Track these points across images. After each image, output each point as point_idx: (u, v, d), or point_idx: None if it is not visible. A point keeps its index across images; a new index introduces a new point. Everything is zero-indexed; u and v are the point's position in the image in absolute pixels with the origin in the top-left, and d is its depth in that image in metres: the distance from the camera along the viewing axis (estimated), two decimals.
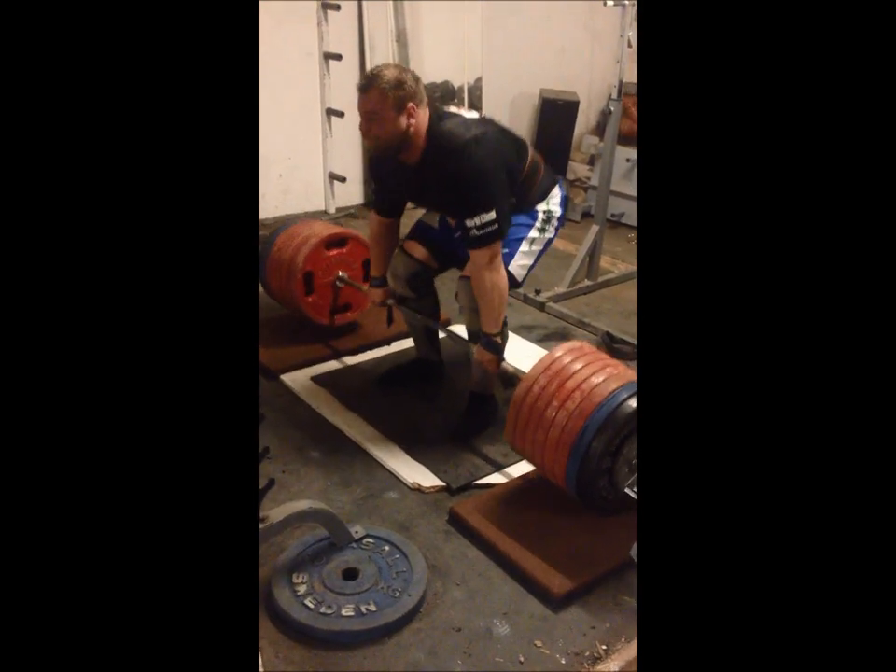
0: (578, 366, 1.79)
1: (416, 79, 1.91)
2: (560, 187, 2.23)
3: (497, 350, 2.05)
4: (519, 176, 2.07)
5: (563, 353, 1.85)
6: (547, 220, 2.17)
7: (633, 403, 1.68)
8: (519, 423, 1.84)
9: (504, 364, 2.04)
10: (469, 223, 1.91)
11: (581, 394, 1.73)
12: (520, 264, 2.14)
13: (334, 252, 2.63)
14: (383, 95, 1.84)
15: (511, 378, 2.00)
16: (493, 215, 1.91)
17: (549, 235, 2.20)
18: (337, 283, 2.64)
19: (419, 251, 2.26)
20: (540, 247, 2.19)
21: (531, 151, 2.13)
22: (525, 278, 2.19)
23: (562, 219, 2.24)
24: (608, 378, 1.74)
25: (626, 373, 1.79)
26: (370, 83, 1.86)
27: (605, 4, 2.86)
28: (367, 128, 1.90)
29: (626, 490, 1.75)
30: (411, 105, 1.87)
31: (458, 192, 1.91)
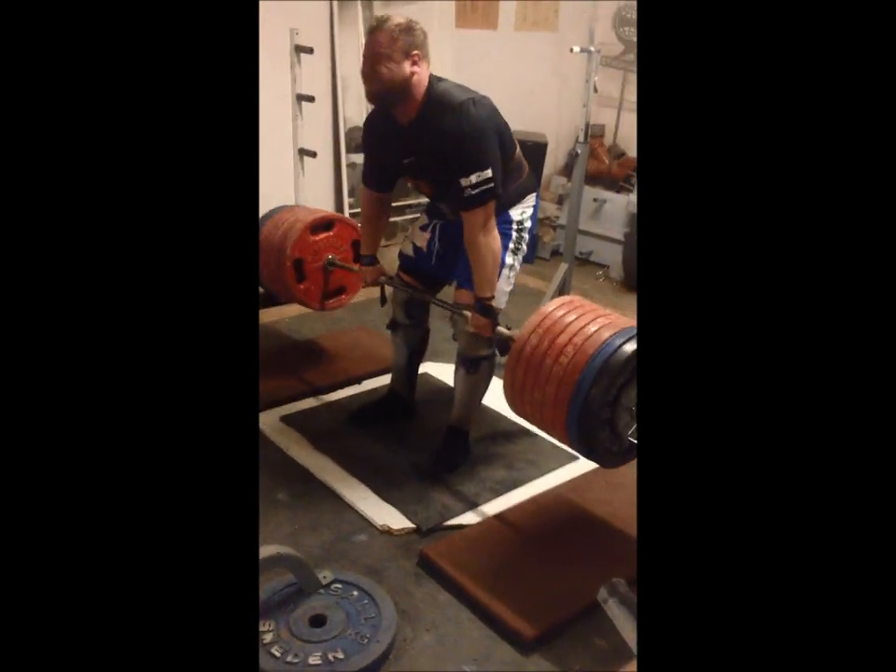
0: (570, 319, 1.76)
1: (424, 34, 1.92)
2: (537, 197, 2.21)
3: (492, 314, 2.01)
4: (509, 162, 2.04)
5: (554, 308, 1.82)
6: (520, 238, 2.13)
7: (628, 348, 1.65)
8: (515, 385, 1.80)
9: (499, 328, 2.01)
10: (464, 181, 1.89)
11: (573, 347, 1.69)
12: (502, 290, 2.10)
13: (321, 236, 2.60)
14: (392, 37, 1.85)
15: (507, 342, 1.96)
16: (489, 173, 1.90)
17: (521, 257, 2.15)
18: (327, 266, 2.62)
19: (406, 276, 2.29)
20: (516, 272, 2.17)
21: (517, 147, 2.12)
22: (503, 304, 2.16)
23: (531, 233, 2.19)
24: (601, 327, 1.71)
25: (619, 321, 1.76)
26: (380, 24, 1.87)
27: (571, 50, 2.94)
28: (371, 70, 1.87)
29: (631, 439, 1.72)
30: (416, 52, 1.88)
31: (455, 149, 1.89)
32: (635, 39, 4.23)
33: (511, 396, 1.85)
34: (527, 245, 2.18)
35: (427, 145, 1.96)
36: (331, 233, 2.63)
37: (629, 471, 2.23)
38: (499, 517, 2.02)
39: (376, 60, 1.87)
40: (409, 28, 1.88)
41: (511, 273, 2.11)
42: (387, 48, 1.86)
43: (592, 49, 2.90)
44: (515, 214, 2.12)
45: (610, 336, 1.68)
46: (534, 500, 2.09)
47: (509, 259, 2.09)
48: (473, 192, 1.91)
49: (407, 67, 1.88)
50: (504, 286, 2.09)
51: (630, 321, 1.77)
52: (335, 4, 3.57)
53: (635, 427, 1.73)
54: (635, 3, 4.18)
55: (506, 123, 2.02)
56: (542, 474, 2.24)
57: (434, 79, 1.96)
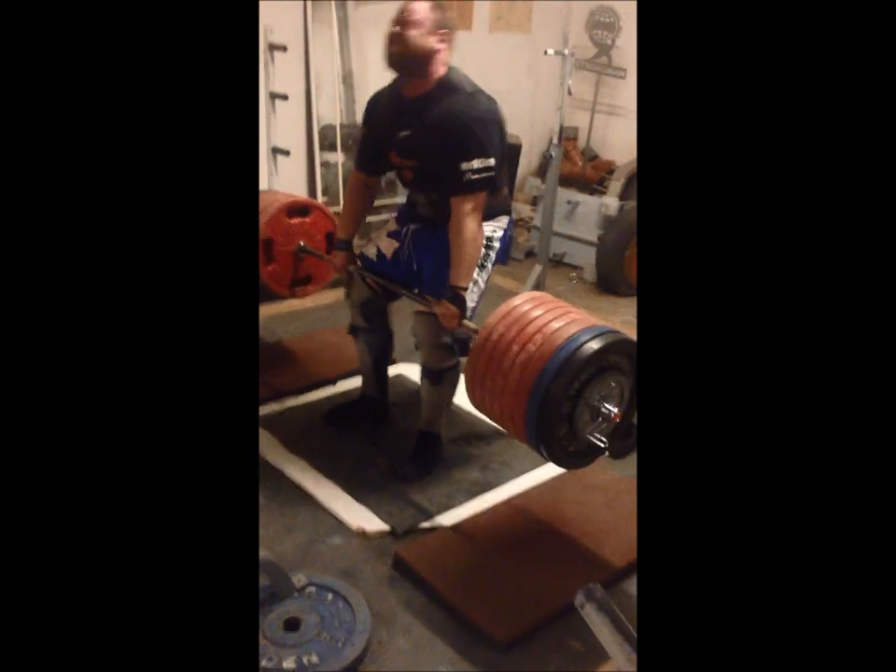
0: (539, 312, 1.75)
1: (455, 22, 1.97)
2: (510, 222, 2.19)
3: (463, 306, 1.97)
4: (500, 169, 2.03)
5: (523, 300, 1.81)
6: (486, 256, 2.10)
7: (594, 345, 1.65)
8: (476, 373, 1.78)
9: (466, 322, 1.97)
10: (465, 165, 1.88)
11: (542, 336, 1.68)
12: (467, 305, 2.06)
13: (296, 220, 2.55)
14: (428, 8, 1.90)
15: (467, 343, 1.93)
16: (491, 161, 1.90)
17: (486, 276, 2.13)
18: (298, 252, 2.58)
19: (370, 278, 2.26)
20: (482, 290, 2.14)
21: (505, 163, 2.12)
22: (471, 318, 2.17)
23: (500, 255, 2.17)
24: (569, 322, 1.71)
25: (588, 319, 1.76)
26: None
27: (545, 53, 2.96)
28: (400, 31, 1.87)
29: (590, 437, 1.71)
30: (446, 31, 1.92)
31: (462, 130, 1.89)
32: (608, 42, 4.27)
33: (471, 385, 1.82)
34: (493, 265, 2.14)
35: (429, 122, 1.94)
36: (307, 220, 2.59)
37: (603, 473, 2.25)
38: (474, 519, 2.02)
39: (408, 24, 1.87)
40: (444, 8, 1.94)
41: (476, 290, 2.07)
42: (422, 15, 1.88)
43: (566, 51, 2.92)
44: (486, 230, 2.08)
45: (578, 331, 1.68)
46: (508, 502, 2.10)
47: (474, 275, 2.03)
48: (473, 177, 1.90)
49: (434, 41, 1.90)
50: (468, 301, 2.03)
51: (599, 321, 1.78)
52: (309, 3, 3.54)
53: (598, 423, 1.72)
54: (608, 6, 4.22)
55: (504, 125, 2.03)
56: (517, 476, 2.25)
57: (451, 68, 1.98)
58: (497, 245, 2.13)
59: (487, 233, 2.09)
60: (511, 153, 2.47)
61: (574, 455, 1.77)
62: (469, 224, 1.93)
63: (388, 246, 2.22)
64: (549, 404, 1.64)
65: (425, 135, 1.96)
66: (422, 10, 1.89)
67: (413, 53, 1.88)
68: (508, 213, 2.18)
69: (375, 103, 2.13)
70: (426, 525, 2.02)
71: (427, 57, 1.90)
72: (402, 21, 1.89)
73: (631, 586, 1.86)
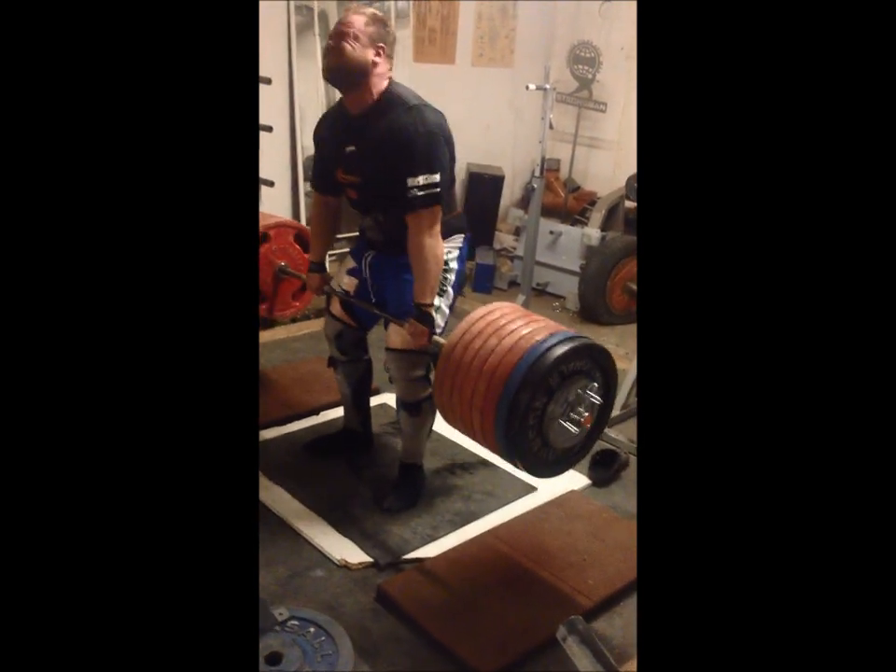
0: (504, 321, 1.74)
1: (394, 36, 1.97)
2: (465, 240, 2.12)
3: (430, 322, 1.95)
4: (451, 185, 2.01)
5: (485, 312, 1.79)
6: (444, 279, 2.02)
7: (560, 350, 1.64)
8: (445, 384, 1.76)
9: (436, 337, 1.93)
10: (410, 181, 1.86)
11: (511, 340, 1.67)
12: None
13: (263, 248, 2.50)
14: (366, 21, 1.88)
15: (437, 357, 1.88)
16: (437, 178, 1.87)
17: (448, 300, 2.07)
18: (279, 274, 2.54)
19: (337, 309, 2.24)
20: (446, 316, 2.08)
21: (455, 181, 2.10)
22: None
23: (460, 276, 2.10)
24: (533, 330, 1.70)
25: (557, 326, 1.76)
26: (356, 9, 1.92)
27: (527, 88, 3.01)
28: (336, 44, 1.87)
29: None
30: (382, 45, 1.90)
31: (405, 147, 1.86)
32: (589, 77, 4.36)
33: (440, 395, 1.80)
34: (454, 288, 2.08)
35: (373, 137, 1.91)
36: (271, 245, 2.53)
37: (587, 503, 2.25)
38: (457, 550, 2.01)
39: (343, 35, 1.86)
40: (382, 21, 1.92)
41: (439, 316, 2.02)
42: (357, 28, 1.87)
43: (547, 86, 2.98)
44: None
45: (546, 336, 1.67)
46: (492, 532, 2.09)
47: (435, 301, 1.99)
48: (419, 194, 1.86)
49: (370, 54, 1.88)
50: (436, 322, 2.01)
51: (563, 327, 1.78)
52: (293, 36, 3.59)
53: (572, 431, 1.71)
54: (588, 42, 4.32)
55: (452, 139, 2.00)
56: (500, 506, 2.24)
57: (392, 81, 1.96)
58: (453, 265, 2.07)
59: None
60: (493, 183, 2.48)
61: (551, 462, 1.77)
62: (426, 240, 1.91)
63: (350, 284, 2.21)
64: (517, 417, 1.62)
65: (369, 151, 1.94)
66: (357, 23, 1.87)
67: (347, 66, 1.86)
68: (462, 231, 2.11)
69: (323, 121, 2.13)
70: (409, 556, 2.00)
71: (362, 70, 1.87)
72: (338, 33, 1.88)
73: (615, 616, 1.86)
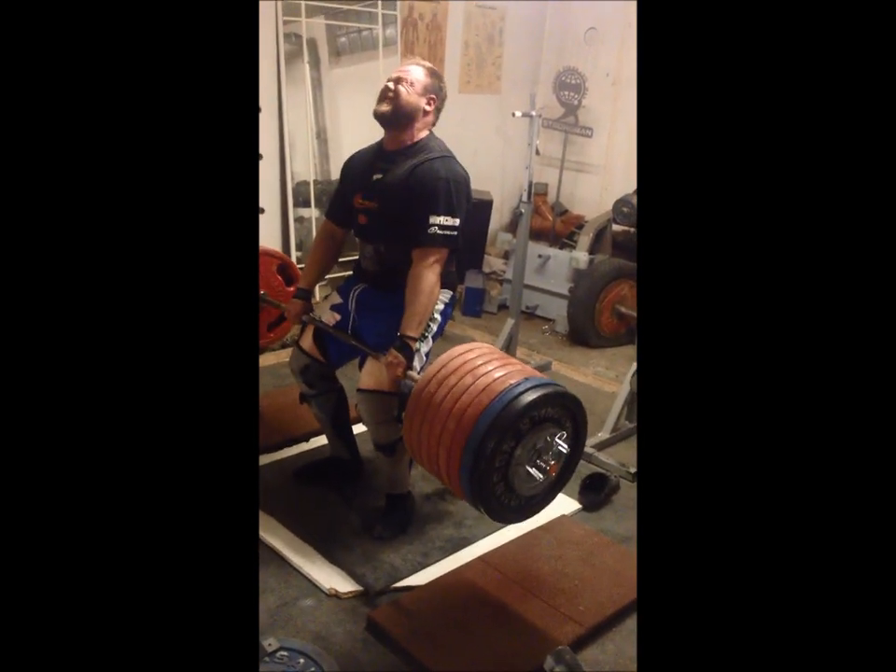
0: (480, 362, 1.73)
1: (446, 94, 2.09)
2: (452, 296, 2.16)
3: (410, 355, 1.94)
4: (460, 235, 2.05)
5: (460, 353, 1.77)
6: (427, 328, 2.03)
7: (533, 395, 1.62)
8: (415, 419, 1.74)
9: (410, 373, 1.91)
10: (433, 219, 1.94)
11: (485, 381, 1.66)
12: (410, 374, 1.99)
13: None
14: (424, 73, 2.03)
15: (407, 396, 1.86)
16: (457, 222, 1.98)
17: (427, 346, 2.06)
18: (259, 303, 2.54)
19: (307, 343, 2.24)
20: (424, 362, 2.07)
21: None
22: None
23: (441, 329, 2.12)
24: (505, 374, 1.68)
25: (528, 370, 1.75)
26: (419, 61, 2.08)
27: (514, 115, 3.05)
28: (395, 88, 1.99)
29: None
30: (433, 96, 2.04)
31: (432, 186, 1.95)
32: (575, 103, 4.41)
33: (409, 432, 1.79)
34: (433, 338, 2.08)
35: (403, 170, 2.00)
36: None
37: (578, 527, 2.25)
38: (448, 577, 2.00)
39: (402, 80, 2.00)
40: (439, 77, 2.07)
41: (417, 358, 2.00)
42: (415, 77, 2.01)
43: (533, 113, 3.01)
44: None
45: (517, 382, 1.66)
46: (483, 559, 2.08)
47: (416, 344, 1.99)
48: (439, 232, 1.95)
49: (423, 102, 2.02)
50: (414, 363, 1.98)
51: (539, 373, 1.77)
52: (282, 64, 3.63)
53: (537, 477, 1.69)
54: (574, 68, 4.38)
55: (472, 202, 2.09)
56: (491, 531, 2.23)
57: (433, 133, 2.08)
58: (438, 318, 2.09)
59: None
60: (482, 208, 2.49)
61: (515, 509, 1.76)
62: (429, 276, 1.95)
63: (331, 319, 2.21)
64: (483, 458, 1.60)
65: (394, 182, 2.01)
66: (416, 72, 2.02)
67: (400, 108, 1.99)
68: (452, 288, 2.16)
69: (356, 154, 2.21)
70: (400, 584, 1.99)
71: (412, 114, 2.00)
72: (397, 77, 2.01)
73: (607, 642, 1.85)
